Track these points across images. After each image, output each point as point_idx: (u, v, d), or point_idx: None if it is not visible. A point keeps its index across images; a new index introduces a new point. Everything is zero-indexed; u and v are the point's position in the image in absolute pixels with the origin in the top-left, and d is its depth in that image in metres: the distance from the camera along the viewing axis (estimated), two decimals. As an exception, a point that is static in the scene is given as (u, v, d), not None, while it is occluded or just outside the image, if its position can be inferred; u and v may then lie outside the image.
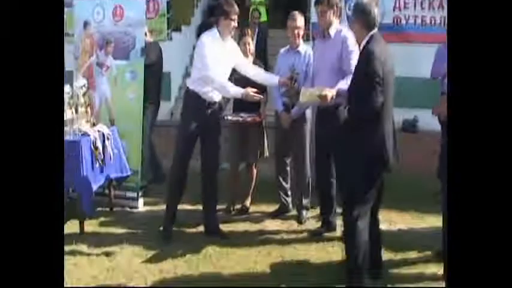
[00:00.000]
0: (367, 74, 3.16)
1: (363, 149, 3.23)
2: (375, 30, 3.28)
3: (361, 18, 3.28)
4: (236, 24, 4.21)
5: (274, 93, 4.77)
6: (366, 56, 3.20)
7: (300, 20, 4.64)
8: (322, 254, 4.05)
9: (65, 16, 7.30)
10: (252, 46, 4.95)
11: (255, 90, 4.19)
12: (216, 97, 4.27)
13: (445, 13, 8.53)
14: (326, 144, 4.21)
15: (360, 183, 3.24)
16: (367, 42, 3.25)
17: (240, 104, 4.86)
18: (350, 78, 3.51)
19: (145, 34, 5.26)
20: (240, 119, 4.77)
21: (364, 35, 3.29)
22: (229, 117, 4.81)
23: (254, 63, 4.88)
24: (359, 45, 3.40)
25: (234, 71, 4.89)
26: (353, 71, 3.49)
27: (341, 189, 3.87)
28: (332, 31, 4.14)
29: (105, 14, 5.25)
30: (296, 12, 4.72)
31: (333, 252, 4.07)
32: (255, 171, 5.06)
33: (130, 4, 5.21)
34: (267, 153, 5.04)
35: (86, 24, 5.35)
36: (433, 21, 8.74)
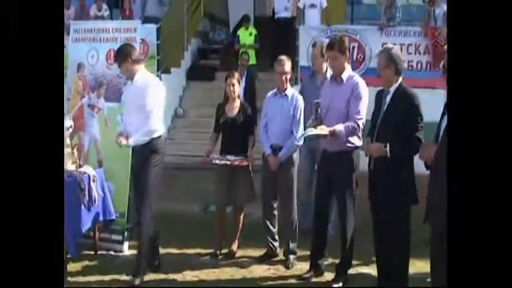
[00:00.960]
0: (413, 115, 3.61)
1: (401, 188, 3.66)
2: (402, 75, 3.71)
3: (393, 65, 3.68)
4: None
5: (261, 136, 4.79)
6: (408, 98, 3.65)
7: (287, 65, 4.71)
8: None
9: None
10: (236, 88, 4.96)
11: None
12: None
13: (430, 58, 8.73)
14: (328, 186, 4.23)
15: (399, 222, 3.67)
16: (400, 86, 3.70)
17: (227, 147, 4.88)
18: (349, 126, 3.99)
19: None
20: (228, 162, 4.76)
21: (394, 80, 3.71)
22: (217, 161, 4.81)
23: (241, 105, 4.94)
24: (387, 90, 3.74)
25: (222, 113, 4.94)
26: (384, 112, 3.74)
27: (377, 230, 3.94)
28: (344, 76, 4.17)
29: (99, 57, 5.32)
30: (284, 57, 4.78)
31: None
32: (242, 215, 5.02)
33: None
34: (256, 197, 5.00)
35: (79, 66, 5.41)
36: (419, 66, 8.91)
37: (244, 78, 7.82)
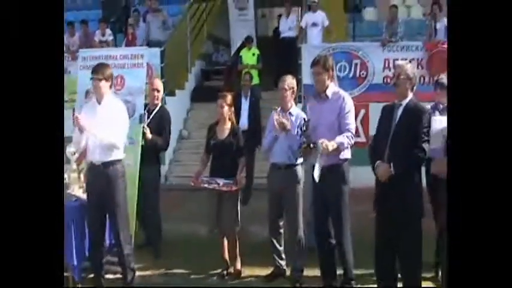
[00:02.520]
0: (421, 128, 3.67)
1: (409, 201, 3.68)
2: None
3: (409, 81, 3.78)
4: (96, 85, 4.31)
5: (265, 153, 4.78)
6: (419, 111, 3.72)
7: (291, 83, 4.70)
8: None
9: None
10: (226, 110, 4.88)
11: None
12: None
13: (425, 72, 8.72)
14: (324, 201, 4.27)
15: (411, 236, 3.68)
16: (411, 100, 3.80)
17: (217, 169, 4.89)
18: (346, 136, 4.11)
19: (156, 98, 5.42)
20: (216, 186, 4.74)
21: (407, 95, 3.80)
22: (206, 184, 4.80)
23: (232, 128, 4.94)
24: (399, 103, 3.81)
25: (212, 135, 4.95)
26: (396, 126, 3.78)
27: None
28: (329, 92, 4.27)
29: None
30: (287, 76, 4.80)
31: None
32: (234, 237, 4.94)
33: (131, 74, 5.44)
34: (239, 224, 4.92)
35: (87, 93, 5.47)
36: (422, 80, 8.91)
37: (248, 98, 7.84)
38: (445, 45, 8.44)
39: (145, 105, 5.47)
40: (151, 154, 5.36)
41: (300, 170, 4.66)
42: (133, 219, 5.07)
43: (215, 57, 12.51)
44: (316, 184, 4.23)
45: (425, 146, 3.67)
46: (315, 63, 4.30)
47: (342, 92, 4.34)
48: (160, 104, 5.51)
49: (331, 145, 3.99)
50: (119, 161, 4.36)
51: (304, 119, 4.26)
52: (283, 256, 4.86)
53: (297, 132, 4.40)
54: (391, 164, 3.69)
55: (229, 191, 4.74)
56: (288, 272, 4.81)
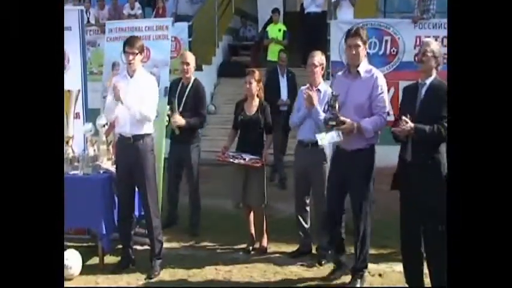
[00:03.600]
0: (446, 107, 3.40)
1: (435, 186, 3.47)
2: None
3: (435, 59, 3.66)
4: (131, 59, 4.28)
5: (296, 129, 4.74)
6: (443, 91, 3.46)
7: (318, 57, 4.66)
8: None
9: (89, 54, 7.53)
10: (254, 87, 4.89)
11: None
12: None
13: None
14: (342, 186, 4.06)
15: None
16: (435, 79, 3.69)
17: (243, 145, 4.89)
18: (376, 120, 3.87)
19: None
20: (242, 161, 4.75)
21: (432, 74, 3.69)
22: (231, 159, 4.82)
23: (260, 104, 4.94)
24: (423, 82, 3.69)
25: (240, 111, 4.95)
26: (420, 105, 3.67)
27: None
28: (361, 69, 3.98)
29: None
30: (317, 52, 4.75)
31: None
32: (261, 213, 4.99)
33: (156, 46, 5.41)
34: (266, 201, 4.95)
35: (114, 65, 5.51)
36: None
37: (285, 76, 7.74)
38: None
39: (178, 80, 5.45)
40: (189, 132, 5.37)
41: (327, 148, 4.63)
42: (161, 192, 5.13)
43: (242, 32, 12.42)
44: (336, 168, 4.13)
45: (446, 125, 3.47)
46: (352, 34, 3.95)
47: (375, 71, 4.04)
48: (193, 78, 5.49)
49: (352, 127, 3.80)
50: (149, 134, 4.40)
51: (333, 93, 3.94)
52: (309, 234, 4.87)
53: (325, 108, 4.23)
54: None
55: (255, 167, 4.75)
56: (313, 250, 4.83)
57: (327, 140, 3.94)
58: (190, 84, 5.40)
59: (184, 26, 9.43)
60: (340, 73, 4.20)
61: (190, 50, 9.53)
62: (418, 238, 3.74)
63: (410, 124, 3.54)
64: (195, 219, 5.51)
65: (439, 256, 3.59)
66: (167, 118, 5.26)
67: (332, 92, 3.97)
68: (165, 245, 4.80)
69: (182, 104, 5.31)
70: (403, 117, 3.58)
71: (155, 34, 5.49)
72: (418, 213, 3.67)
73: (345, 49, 4.08)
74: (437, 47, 3.76)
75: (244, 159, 4.76)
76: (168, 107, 5.24)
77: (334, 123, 3.84)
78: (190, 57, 5.46)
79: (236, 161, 4.79)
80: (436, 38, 8.24)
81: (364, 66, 4.00)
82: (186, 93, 5.36)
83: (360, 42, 3.93)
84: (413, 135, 3.58)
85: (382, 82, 3.97)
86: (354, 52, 3.94)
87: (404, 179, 3.72)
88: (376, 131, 3.95)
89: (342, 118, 3.81)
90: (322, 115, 4.28)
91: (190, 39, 9.59)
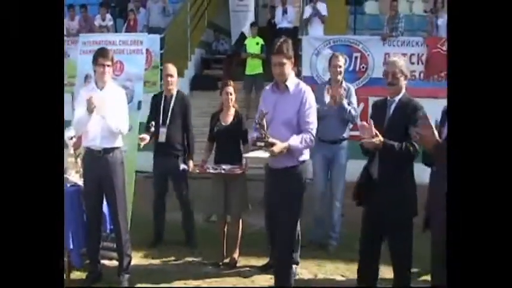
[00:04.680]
0: (412, 123, 3.60)
1: (403, 199, 3.64)
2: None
3: (404, 76, 3.76)
4: (105, 71, 4.29)
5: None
6: (412, 108, 3.67)
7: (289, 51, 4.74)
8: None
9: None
10: (233, 96, 5.01)
11: None
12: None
13: (423, 68, 8.73)
14: (275, 204, 3.86)
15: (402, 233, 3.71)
16: (404, 95, 3.76)
17: (222, 156, 4.91)
18: (304, 137, 3.67)
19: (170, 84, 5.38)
20: (222, 171, 4.77)
21: (401, 91, 3.77)
22: (211, 170, 4.82)
23: (236, 113, 5.02)
24: (392, 99, 3.76)
25: (216, 122, 4.98)
26: (389, 122, 3.72)
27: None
28: (290, 84, 3.80)
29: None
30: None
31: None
32: (239, 224, 5.02)
33: (130, 60, 5.41)
34: (250, 206, 4.99)
35: (87, 77, 5.45)
36: (422, 76, 8.92)
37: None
38: (444, 46, 8.46)
39: (160, 94, 5.45)
40: (175, 144, 5.33)
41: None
42: (130, 207, 5.07)
43: (215, 45, 12.46)
44: (268, 186, 3.95)
45: (416, 143, 3.57)
46: (276, 52, 3.74)
47: (303, 85, 3.87)
48: (176, 89, 5.47)
49: (281, 148, 3.58)
50: (118, 147, 4.36)
51: (262, 110, 3.71)
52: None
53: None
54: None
55: (236, 174, 4.76)
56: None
57: (255, 159, 3.73)
58: (174, 97, 5.39)
59: (156, 38, 9.41)
60: (268, 87, 4.01)
61: (161, 62, 9.54)
62: (377, 250, 3.84)
63: (380, 138, 3.61)
64: (191, 233, 5.43)
65: (403, 261, 3.77)
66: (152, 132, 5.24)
67: (262, 110, 3.73)
68: (134, 259, 4.74)
69: (168, 118, 5.30)
70: (374, 130, 3.61)
71: (129, 48, 5.50)
72: (379, 226, 3.76)
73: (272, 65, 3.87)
74: (403, 63, 3.83)
75: (224, 169, 4.77)
76: (152, 122, 5.23)
77: (262, 144, 3.60)
78: (173, 69, 5.44)
79: (216, 171, 4.79)
80: (404, 54, 8.50)
81: (292, 81, 3.83)
82: (171, 105, 5.34)
83: (284, 60, 3.74)
84: (381, 150, 3.63)
85: (310, 97, 3.81)
86: (278, 71, 3.77)
87: (368, 192, 3.79)
88: (306, 148, 3.78)
89: (271, 140, 3.59)
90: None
91: (162, 51, 9.58)
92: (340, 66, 5.25)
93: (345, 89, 5.23)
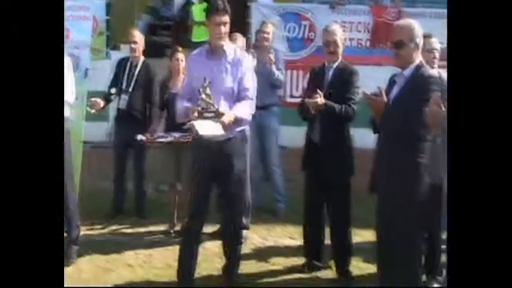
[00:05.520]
0: (351, 88, 3.85)
1: (338, 158, 3.91)
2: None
3: (343, 44, 3.96)
4: None
5: None
6: (349, 73, 3.89)
7: (240, 41, 4.85)
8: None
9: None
10: (182, 64, 4.99)
11: None
12: None
13: (369, 36, 8.88)
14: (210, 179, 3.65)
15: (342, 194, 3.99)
16: (341, 62, 3.94)
17: (173, 123, 4.88)
18: (245, 104, 3.48)
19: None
20: (173, 139, 4.74)
21: (339, 57, 3.93)
22: (161, 139, 4.79)
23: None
24: (330, 65, 3.94)
25: (166, 89, 4.96)
26: (328, 87, 3.87)
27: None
28: (227, 48, 3.55)
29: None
30: (237, 34, 4.88)
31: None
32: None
33: (76, 26, 5.32)
34: None
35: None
36: (368, 44, 9.07)
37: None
38: (390, 15, 8.62)
39: (126, 59, 5.31)
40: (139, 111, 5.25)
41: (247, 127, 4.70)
42: (78, 177, 5.00)
43: (163, 11, 12.14)
44: (204, 161, 3.61)
45: (354, 105, 3.85)
46: (221, 11, 3.45)
47: (240, 51, 3.72)
48: (142, 59, 5.35)
49: (231, 118, 3.36)
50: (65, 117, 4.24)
51: (205, 78, 3.36)
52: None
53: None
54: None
55: (187, 142, 4.68)
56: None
57: (206, 130, 3.34)
58: (139, 65, 5.27)
59: (101, 4, 9.07)
60: (196, 52, 3.70)
61: (107, 29, 9.25)
62: (321, 214, 4.06)
63: (322, 99, 3.73)
64: (142, 203, 5.40)
65: (341, 229, 4.01)
66: (112, 98, 5.11)
67: (205, 78, 3.37)
68: (83, 231, 4.70)
69: (132, 85, 5.19)
70: (318, 91, 3.79)
71: (75, 14, 5.34)
72: (321, 189, 3.98)
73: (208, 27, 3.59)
74: (342, 32, 4.07)
75: (175, 136, 4.72)
76: (113, 88, 5.10)
77: (211, 115, 3.33)
78: (137, 35, 5.29)
79: (166, 139, 4.74)
80: (351, 23, 8.64)
81: (229, 45, 3.59)
82: (136, 73, 5.22)
83: (228, 19, 3.47)
84: (323, 111, 3.80)
85: (250, 64, 3.65)
86: (223, 31, 3.45)
87: (312, 158, 3.95)
88: (249, 117, 3.59)
89: (221, 110, 3.36)
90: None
91: (107, 17, 9.27)
92: (268, 33, 5.41)
93: (273, 55, 5.31)
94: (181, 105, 3.56)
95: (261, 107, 5.33)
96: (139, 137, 5.10)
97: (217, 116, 3.34)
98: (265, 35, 5.43)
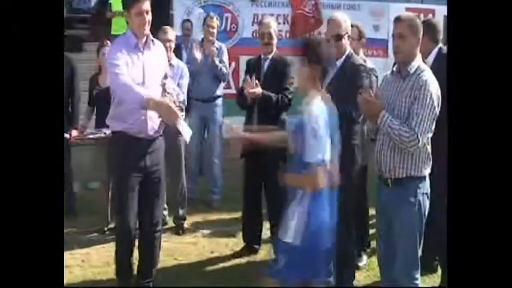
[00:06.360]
0: (286, 78, 4.07)
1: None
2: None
3: (276, 36, 4.18)
4: None
5: None
6: (284, 64, 4.08)
7: (170, 34, 4.67)
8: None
9: None
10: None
11: None
12: None
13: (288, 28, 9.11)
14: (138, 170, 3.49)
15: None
16: (275, 54, 4.14)
17: (103, 119, 4.75)
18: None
19: None
20: (103, 135, 4.61)
21: (274, 49, 4.14)
22: (91, 135, 4.69)
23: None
24: (265, 57, 4.14)
25: (95, 85, 4.84)
26: (264, 77, 4.05)
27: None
28: (153, 40, 3.56)
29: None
30: (167, 27, 4.79)
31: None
32: None
33: None
34: None
35: None
36: (288, 35, 9.31)
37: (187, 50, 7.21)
38: (308, 7, 8.91)
39: None
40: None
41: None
42: None
43: (77, 4, 11.68)
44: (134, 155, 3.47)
45: (289, 95, 4.04)
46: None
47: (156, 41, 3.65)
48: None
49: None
50: None
51: (166, 74, 3.49)
52: (165, 206, 4.94)
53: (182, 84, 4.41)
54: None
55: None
56: (170, 222, 4.95)
57: (187, 133, 3.49)
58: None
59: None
60: (120, 41, 3.66)
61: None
62: (259, 201, 4.23)
63: (259, 89, 3.88)
64: (72, 202, 5.21)
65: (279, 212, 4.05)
66: None
67: (165, 74, 3.47)
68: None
69: None
70: (255, 80, 3.96)
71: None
72: (261, 178, 4.15)
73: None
74: (275, 24, 4.26)
75: (105, 133, 4.58)
76: None
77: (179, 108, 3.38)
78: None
79: (96, 136, 4.62)
80: (272, 15, 8.80)
81: (150, 36, 3.56)
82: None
83: (149, 7, 3.44)
84: (261, 100, 3.96)
85: (164, 54, 3.67)
86: (146, 20, 3.42)
87: (250, 147, 4.05)
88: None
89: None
90: None
91: (18, 10, 8.79)
92: (213, 27, 5.53)
93: (217, 48, 5.42)
94: (137, 90, 3.24)
95: (206, 100, 5.42)
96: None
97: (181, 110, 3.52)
98: (211, 29, 5.52)
